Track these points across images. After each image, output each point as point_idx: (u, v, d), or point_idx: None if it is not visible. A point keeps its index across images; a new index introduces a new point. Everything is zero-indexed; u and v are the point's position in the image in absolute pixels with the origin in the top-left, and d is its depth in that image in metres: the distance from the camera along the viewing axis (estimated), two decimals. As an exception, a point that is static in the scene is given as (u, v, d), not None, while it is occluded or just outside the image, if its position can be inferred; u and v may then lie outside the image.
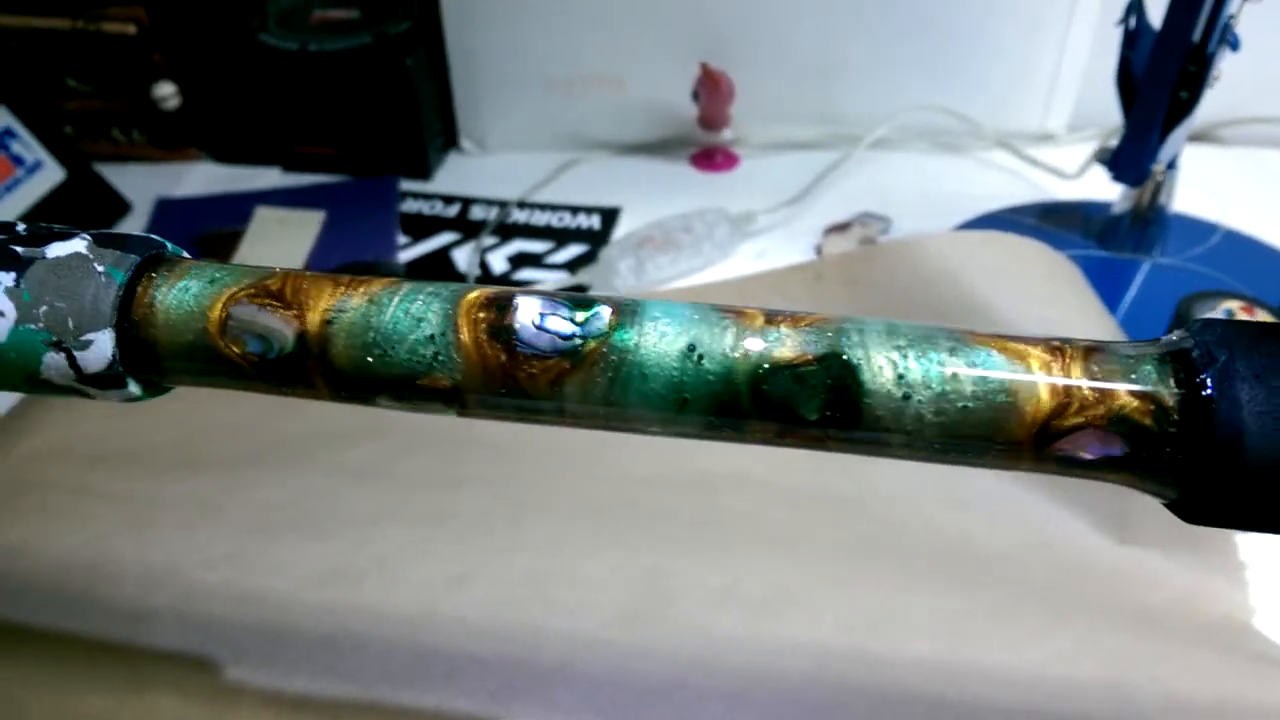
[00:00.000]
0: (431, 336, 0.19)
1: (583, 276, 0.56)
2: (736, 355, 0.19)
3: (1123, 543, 0.41)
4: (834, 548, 0.40)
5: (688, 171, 0.68)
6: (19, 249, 0.20)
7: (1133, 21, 0.45)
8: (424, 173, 0.68)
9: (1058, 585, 0.39)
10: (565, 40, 0.66)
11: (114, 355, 0.20)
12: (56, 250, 0.20)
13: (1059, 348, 0.18)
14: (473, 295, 0.20)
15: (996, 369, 0.18)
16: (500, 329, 0.19)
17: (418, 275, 0.59)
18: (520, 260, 0.60)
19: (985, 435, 0.18)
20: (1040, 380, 0.18)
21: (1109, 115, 0.64)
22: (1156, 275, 0.52)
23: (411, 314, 0.19)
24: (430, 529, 0.40)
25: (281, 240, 0.61)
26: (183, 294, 0.21)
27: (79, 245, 0.20)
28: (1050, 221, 0.58)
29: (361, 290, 0.20)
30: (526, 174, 0.67)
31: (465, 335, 0.19)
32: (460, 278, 0.58)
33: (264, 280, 0.20)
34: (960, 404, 0.18)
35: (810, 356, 0.18)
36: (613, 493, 0.43)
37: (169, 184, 0.68)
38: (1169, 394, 0.18)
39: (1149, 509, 0.42)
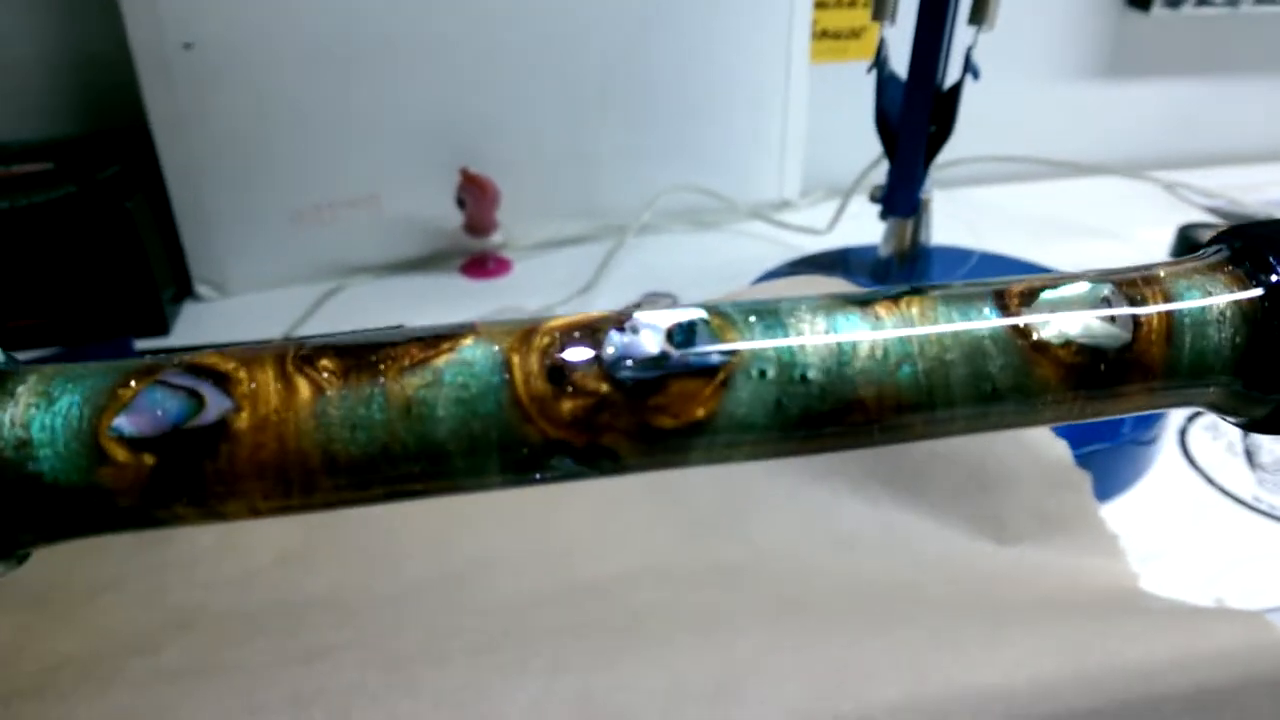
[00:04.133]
0: None
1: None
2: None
3: (1002, 544, 0.42)
4: (756, 617, 0.37)
5: (460, 282, 0.65)
6: None
7: (881, 71, 0.49)
8: (162, 328, 0.59)
9: (972, 598, 0.39)
10: (306, 166, 0.61)
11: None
12: None
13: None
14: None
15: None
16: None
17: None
18: (303, 401, 0.53)
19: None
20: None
21: (835, 178, 0.70)
22: (933, 301, 0.57)
23: None
24: (295, 717, 0.32)
25: None
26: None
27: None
28: (822, 269, 0.61)
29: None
30: (281, 312, 0.61)
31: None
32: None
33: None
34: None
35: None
36: (499, 623, 0.37)
37: None
38: (1250, 300, 0.17)
39: (1017, 508, 0.44)
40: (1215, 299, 0.17)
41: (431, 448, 0.16)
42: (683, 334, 0.17)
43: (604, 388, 0.17)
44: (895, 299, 0.18)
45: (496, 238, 0.64)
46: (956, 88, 0.47)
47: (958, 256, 0.59)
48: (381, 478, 0.16)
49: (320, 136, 0.60)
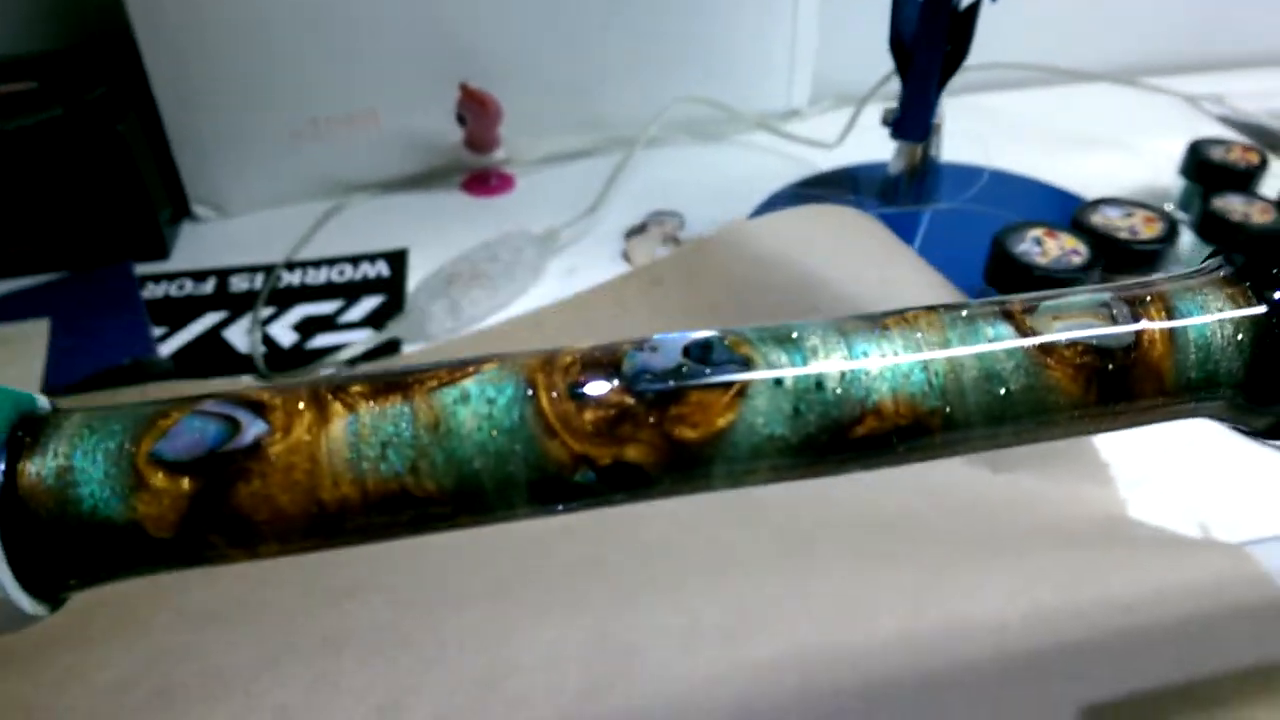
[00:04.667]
0: None
1: (393, 330, 0.51)
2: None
3: (997, 470, 0.44)
4: (765, 556, 0.39)
5: (463, 199, 0.64)
6: None
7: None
8: (161, 251, 0.58)
9: (969, 528, 0.40)
10: (304, 81, 0.59)
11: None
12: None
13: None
14: None
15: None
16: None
17: (189, 366, 0.50)
18: (309, 326, 0.53)
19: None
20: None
21: (845, 85, 0.68)
22: (939, 220, 0.56)
23: None
24: (330, 658, 0.34)
25: (3, 363, 0.49)
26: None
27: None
28: (831, 189, 0.61)
29: None
30: (284, 231, 0.60)
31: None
32: (245, 360, 0.51)
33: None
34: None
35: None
36: (515, 562, 0.39)
37: None
38: (1254, 317, 0.18)
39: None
40: (1219, 315, 0.18)
41: (460, 466, 0.17)
42: (699, 349, 0.18)
43: (626, 399, 0.17)
44: (904, 315, 0.18)
45: (499, 154, 0.63)
46: (974, 7, 0.46)
47: (968, 175, 0.59)
48: (411, 501, 0.17)
49: (316, 49, 0.58)
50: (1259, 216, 0.51)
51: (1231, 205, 0.52)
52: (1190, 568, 0.37)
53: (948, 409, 0.18)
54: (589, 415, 0.17)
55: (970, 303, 0.18)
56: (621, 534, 0.39)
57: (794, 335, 0.18)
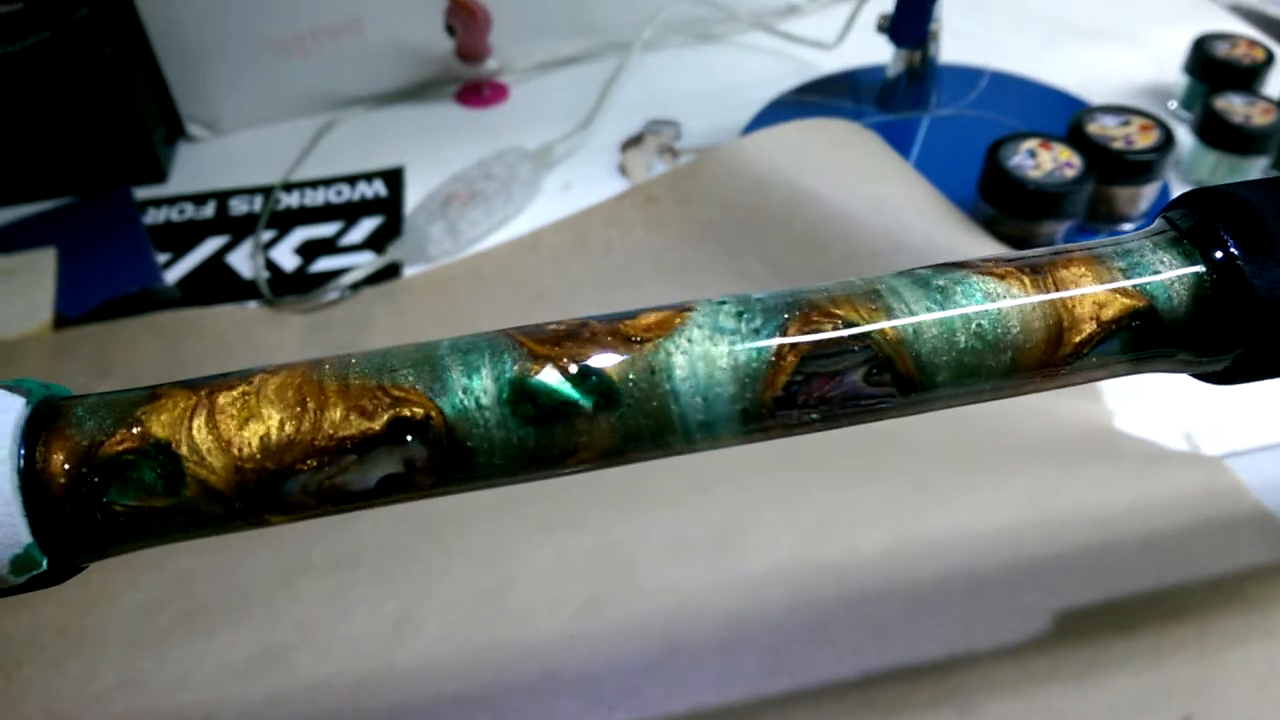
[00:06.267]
0: None
1: (393, 253, 0.52)
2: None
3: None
4: (754, 471, 0.40)
5: (458, 111, 0.63)
6: None
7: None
8: (158, 175, 0.58)
9: (954, 441, 0.42)
10: (285, -8, 0.58)
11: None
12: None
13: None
14: None
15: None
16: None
17: (195, 293, 0.51)
18: (311, 249, 0.54)
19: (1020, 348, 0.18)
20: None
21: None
22: (938, 127, 0.56)
23: None
24: (346, 575, 0.36)
25: (13, 294, 0.50)
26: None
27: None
28: (829, 95, 0.60)
29: None
30: (279, 150, 0.60)
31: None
32: (247, 285, 0.52)
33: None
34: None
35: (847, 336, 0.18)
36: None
37: None
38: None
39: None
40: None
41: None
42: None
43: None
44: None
45: (491, 64, 0.62)
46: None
47: (968, 77, 0.58)
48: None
49: (297, -40, 0.57)
50: (1260, 118, 0.50)
51: (1233, 106, 0.51)
52: (1167, 480, 0.38)
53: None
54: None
55: (937, 272, 0.19)
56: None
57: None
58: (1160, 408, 0.43)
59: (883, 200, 0.45)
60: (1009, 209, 0.45)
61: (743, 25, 0.67)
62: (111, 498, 0.16)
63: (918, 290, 0.18)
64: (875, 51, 0.60)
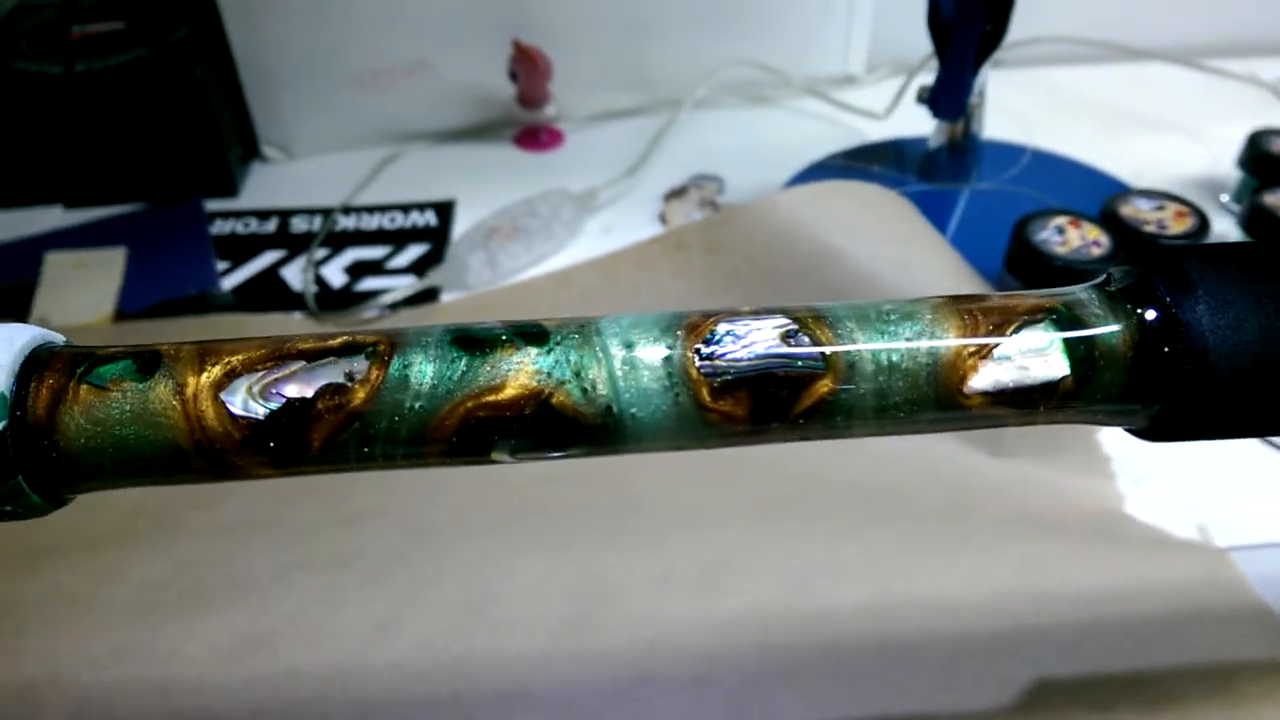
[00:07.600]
0: None
1: (433, 278, 0.54)
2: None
3: (996, 456, 0.44)
4: (743, 512, 0.41)
5: (514, 153, 0.66)
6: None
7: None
8: (230, 189, 0.62)
9: (952, 507, 0.42)
10: (365, 30, 0.62)
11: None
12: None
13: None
14: None
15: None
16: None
17: (246, 300, 0.54)
18: (359, 269, 0.57)
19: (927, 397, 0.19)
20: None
21: (904, 52, 0.68)
22: (976, 200, 0.56)
23: None
24: (338, 574, 0.37)
25: (83, 286, 0.54)
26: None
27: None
28: (873, 161, 0.61)
29: None
30: (344, 176, 0.63)
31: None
32: (296, 297, 0.54)
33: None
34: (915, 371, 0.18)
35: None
36: (516, 499, 0.41)
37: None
38: (1136, 326, 0.19)
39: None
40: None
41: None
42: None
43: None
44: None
45: (549, 110, 0.65)
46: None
47: (1009, 154, 0.58)
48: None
49: (380, 1, 0.61)
50: (1306, 215, 0.49)
51: (1280, 201, 0.50)
52: (1167, 565, 0.37)
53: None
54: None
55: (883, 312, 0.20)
56: (612, 483, 0.41)
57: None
58: (1175, 495, 0.42)
59: (907, 264, 0.46)
60: (1032, 282, 0.45)
61: (796, 90, 0.69)
62: (90, 379, 0.18)
63: (856, 315, 0.19)
64: (924, 124, 0.61)
